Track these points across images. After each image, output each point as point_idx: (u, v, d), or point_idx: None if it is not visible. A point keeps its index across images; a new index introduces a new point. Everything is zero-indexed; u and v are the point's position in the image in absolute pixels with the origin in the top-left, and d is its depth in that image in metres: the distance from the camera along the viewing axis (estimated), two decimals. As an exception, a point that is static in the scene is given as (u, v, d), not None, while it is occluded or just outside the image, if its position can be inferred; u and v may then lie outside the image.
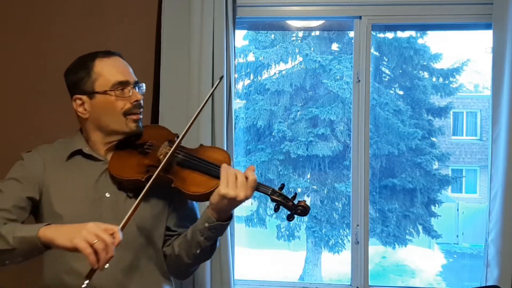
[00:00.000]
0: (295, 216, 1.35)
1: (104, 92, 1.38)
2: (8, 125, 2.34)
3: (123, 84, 1.40)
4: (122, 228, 1.21)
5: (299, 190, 4.68)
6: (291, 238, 4.88)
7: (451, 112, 4.95)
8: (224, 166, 1.33)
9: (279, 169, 4.60)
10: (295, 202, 1.35)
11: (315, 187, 4.68)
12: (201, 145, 1.51)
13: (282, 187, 1.37)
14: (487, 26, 2.22)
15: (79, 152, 1.45)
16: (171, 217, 1.49)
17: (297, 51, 4.78)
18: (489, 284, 2.13)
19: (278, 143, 4.65)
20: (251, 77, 4.83)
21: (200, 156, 1.41)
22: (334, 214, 4.66)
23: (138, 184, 1.36)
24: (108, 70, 1.40)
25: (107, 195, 1.40)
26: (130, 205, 1.27)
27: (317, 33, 4.69)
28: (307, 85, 4.73)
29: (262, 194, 1.36)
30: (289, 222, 4.88)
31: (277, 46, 4.80)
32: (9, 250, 1.22)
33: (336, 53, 4.72)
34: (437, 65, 4.83)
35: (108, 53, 1.44)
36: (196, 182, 1.36)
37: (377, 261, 4.99)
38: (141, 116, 1.44)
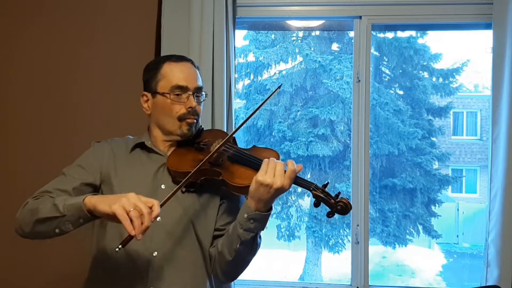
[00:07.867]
0: (336, 213, 1.36)
1: (163, 94, 1.48)
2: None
3: (181, 89, 1.47)
4: (162, 205, 1.25)
5: (299, 190, 4.69)
6: (291, 238, 4.87)
7: (451, 112, 4.94)
8: (266, 159, 1.36)
9: (279, 169, 4.58)
10: (337, 199, 1.36)
11: (315, 187, 4.66)
12: (254, 146, 1.55)
13: (326, 185, 1.38)
14: (487, 26, 2.22)
15: (142, 145, 1.54)
16: (221, 217, 1.52)
17: (297, 51, 4.77)
18: (489, 284, 2.13)
19: (278, 143, 4.64)
20: (251, 77, 4.82)
21: (250, 153, 1.46)
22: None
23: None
24: (172, 74, 1.48)
25: (163, 186, 1.47)
26: None
27: (317, 33, 4.69)
28: (307, 85, 4.72)
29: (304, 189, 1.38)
30: (289, 222, 4.91)
31: (277, 46, 4.80)
32: (59, 217, 1.29)
33: (336, 53, 4.72)
34: (437, 65, 4.82)
35: (179, 58, 1.53)
36: (243, 175, 1.40)
37: (377, 261, 4.98)
38: (195, 121, 1.50)
